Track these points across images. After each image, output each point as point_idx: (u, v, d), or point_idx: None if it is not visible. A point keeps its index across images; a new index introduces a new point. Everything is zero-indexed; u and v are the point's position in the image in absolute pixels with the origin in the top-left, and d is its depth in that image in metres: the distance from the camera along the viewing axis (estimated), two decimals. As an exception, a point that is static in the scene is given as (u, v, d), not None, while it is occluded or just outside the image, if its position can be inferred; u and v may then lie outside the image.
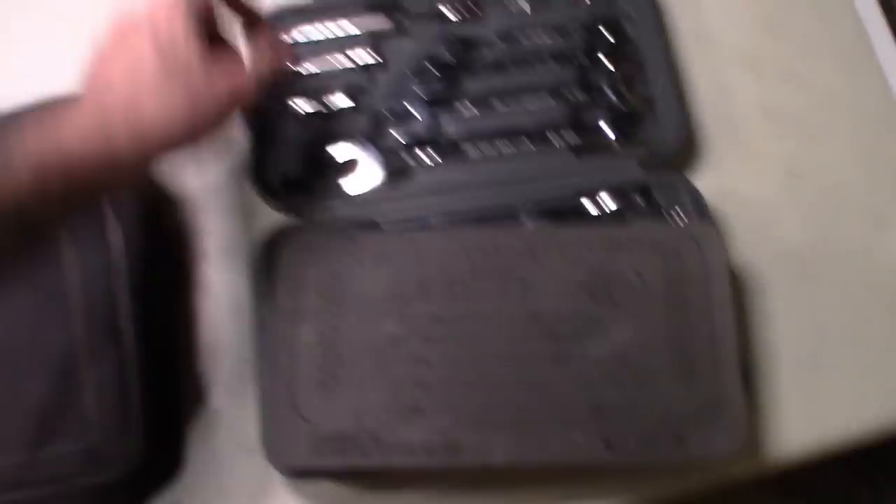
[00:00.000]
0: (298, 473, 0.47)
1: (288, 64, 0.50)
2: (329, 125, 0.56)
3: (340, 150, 0.56)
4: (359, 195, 0.54)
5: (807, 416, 0.52)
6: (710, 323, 0.45)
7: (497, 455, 0.43)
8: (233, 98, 0.41)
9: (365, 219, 0.52)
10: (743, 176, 0.57)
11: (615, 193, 0.53)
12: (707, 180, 0.56)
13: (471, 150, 0.55)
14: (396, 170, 0.55)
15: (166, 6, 0.41)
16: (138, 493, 0.52)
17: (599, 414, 0.43)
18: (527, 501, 0.50)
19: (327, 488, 0.51)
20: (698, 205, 0.52)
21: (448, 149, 0.55)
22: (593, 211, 0.52)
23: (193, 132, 0.40)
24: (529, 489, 0.50)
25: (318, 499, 0.51)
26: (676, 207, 0.52)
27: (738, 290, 0.54)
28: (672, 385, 0.44)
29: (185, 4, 0.41)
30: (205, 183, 0.58)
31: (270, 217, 0.54)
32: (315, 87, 0.57)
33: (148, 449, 0.49)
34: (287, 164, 0.55)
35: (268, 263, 0.50)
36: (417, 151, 0.55)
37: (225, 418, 0.54)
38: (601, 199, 0.53)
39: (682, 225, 0.47)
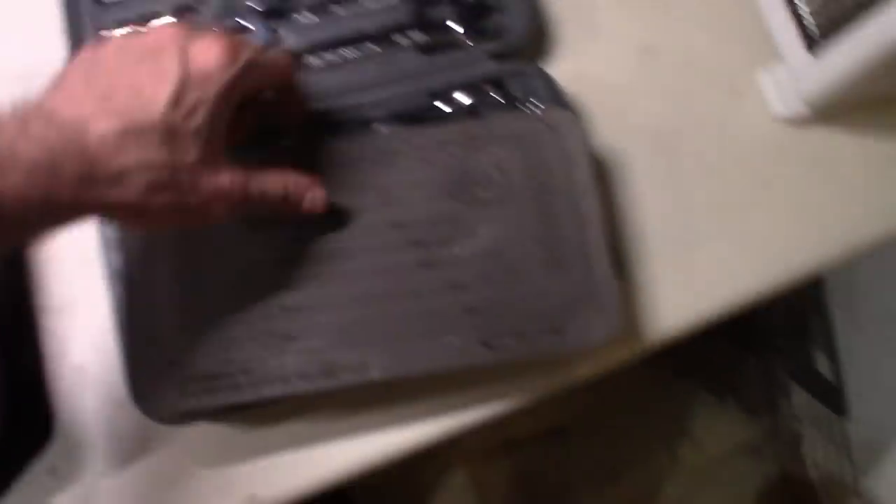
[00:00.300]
0: (173, 419, 0.45)
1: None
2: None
3: None
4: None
5: (683, 291, 0.53)
6: (575, 210, 0.44)
7: (374, 371, 0.41)
8: (213, 205, 0.36)
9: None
10: (597, 59, 0.57)
11: (469, 90, 0.51)
12: (562, 67, 0.54)
13: (314, 61, 0.51)
14: None
15: (222, 57, 0.35)
16: (5, 463, 0.49)
17: (474, 315, 0.42)
18: (417, 413, 0.50)
19: (207, 430, 0.49)
20: (554, 92, 0.50)
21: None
22: (448, 111, 0.50)
23: (144, 210, 0.34)
24: (420, 399, 0.50)
25: (198, 443, 0.49)
26: (532, 98, 0.51)
27: (602, 174, 0.54)
28: (544, 277, 0.43)
29: (246, 74, 0.36)
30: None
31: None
32: (141, 13, 0.52)
33: (9, 415, 0.45)
34: None
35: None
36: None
37: (90, 373, 0.51)
38: (455, 98, 0.51)
39: (537, 114, 0.46)
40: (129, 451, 0.50)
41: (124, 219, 0.36)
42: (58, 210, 0.32)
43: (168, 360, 0.42)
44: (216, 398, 0.41)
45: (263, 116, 0.44)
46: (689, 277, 0.53)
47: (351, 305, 0.42)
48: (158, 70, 0.34)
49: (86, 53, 0.35)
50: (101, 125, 0.32)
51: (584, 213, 0.44)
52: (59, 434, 0.50)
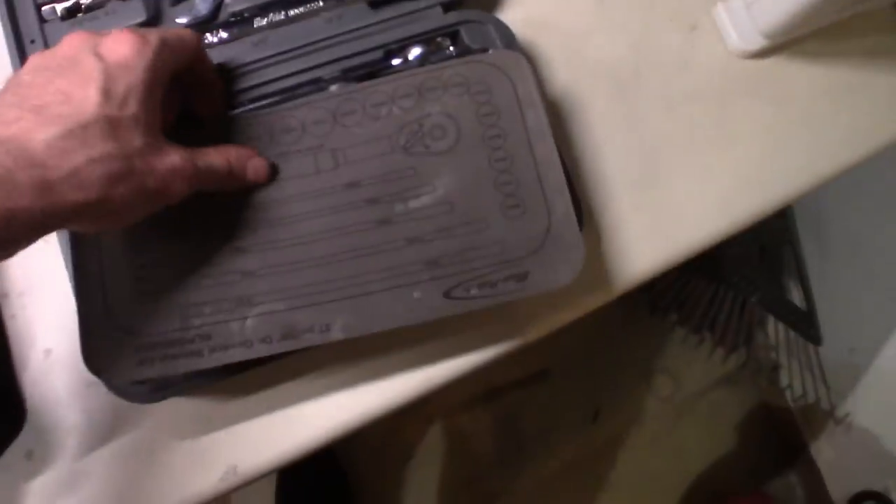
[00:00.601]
0: (139, 393, 0.45)
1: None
2: (104, 23, 0.50)
3: None
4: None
5: (649, 232, 0.53)
6: (531, 155, 0.43)
7: (335, 331, 0.41)
8: (171, 183, 0.37)
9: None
10: (552, 2, 0.56)
11: (422, 44, 0.50)
12: (516, 13, 0.54)
13: (259, 22, 0.50)
14: None
15: (133, 45, 0.36)
16: (-21, 451, 0.48)
17: (435, 268, 0.42)
18: (393, 370, 0.50)
19: (182, 405, 0.49)
20: (507, 39, 0.49)
21: (236, 25, 0.50)
22: (403, 67, 0.49)
23: (108, 205, 0.34)
24: (395, 355, 0.50)
25: (174, 418, 0.49)
26: (488, 47, 0.50)
27: (560, 117, 0.53)
28: (503, 224, 0.43)
29: (160, 55, 0.36)
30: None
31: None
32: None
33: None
34: None
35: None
36: (206, 35, 0.50)
37: (57, 356, 0.50)
38: (409, 53, 0.50)
39: (485, 59, 0.45)
40: (105, 430, 0.49)
41: (95, 221, 0.36)
42: (23, 223, 0.32)
43: (123, 329, 0.41)
44: (176, 365, 0.40)
45: (188, 98, 0.44)
46: (655, 218, 0.54)
47: (310, 267, 0.42)
48: (79, 74, 0.35)
49: (7, 82, 0.36)
50: (42, 133, 0.32)
51: (541, 158, 0.43)
52: (33, 419, 0.49)
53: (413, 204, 0.43)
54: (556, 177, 0.43)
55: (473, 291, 0.42)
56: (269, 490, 1.26)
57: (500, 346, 0.50)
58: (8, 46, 0.49)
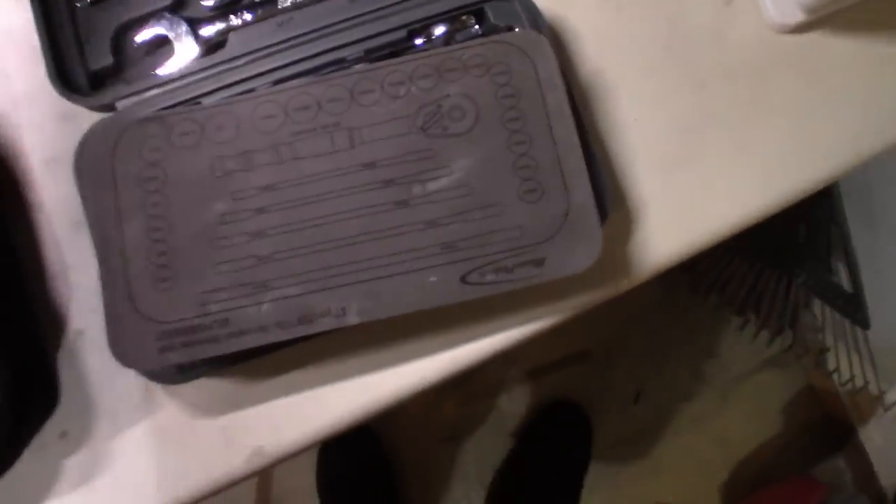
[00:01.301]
0: (166, 376, 0.45)
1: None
2: (125, 7, 0.50)
3: (145, 32, 0.50)
4: (175, 76, 0.49)
5: (681, 212, 0.52)
6: (550, 136, 0.43)
7: (351, 315, 0.41)
8: None
9: (186, 99, 0.48)
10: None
11: (446, 22, 0.49)
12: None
13: (284, 3, 0.50)
14: (210, 39, 0.50)
15: None
16: (14, 431, 0.49)
17: (452, 252, 0.42)
18: (422, 350, 0.50)
19: (210, 385, 0.49)
20: (533, 16, 0.48)
21: (260, 6, 0.50)
22: (426, 46, 0.49)
23: None
24: (424, 335, 0.50)
25: (202, 398, 0.50)
26: (515, 26, 0.49)
27: (589, 95, 0.52)
28: (521, 207, 0.42)
29: None
30: (13, 98, 0.53)
31: (91, 119, 0.50)
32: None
33: (14, 383, 0.46)
34: (89, 58, 0.50)
35: (85, 166, 0.46)
36: (230, 16, 0.50)
37: (89, 337, 0.51)
38: (434, 32, 0.49)
39: (506, 39, 0.44)
40: (136, 411, 0.50)
41: None
42: None
43: (145, 315, 0.42)
44: (196, 351, 0.41)
45: None
46: (688, 198, 0.52)
47: (325, 250, 0.42)
48: None
49: None
50: None
51: (561, 139, 0.43)
52: (66, 398, 0.51)
53: (430, 186, 0.42)
54: (576, 161, 0.42)
55: (490, 276, 0.41)
56: (310, 471, 1.29)
57: (526, 327, 0.50)
58: (38, 33, 0.50)
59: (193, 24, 0.50)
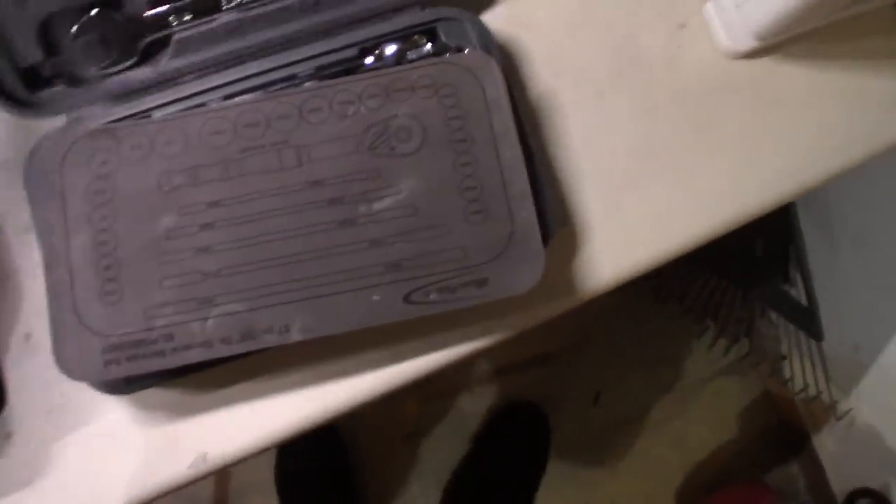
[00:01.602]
0: (114, 387, 0.46)
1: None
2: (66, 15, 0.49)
3: (83, 39, 0.48)
4: (119, 85, 0.49)
5: (627, 232, 0.53)
6: (496, 158, 0.43)
7: (294, 332, 0.41)
8: None
9: (136, 112, 0.47)
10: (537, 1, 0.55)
11: (398, 41, 0.49)
12: (499, 10, 0.53)
13: (227, 16, 0.49)
14: (153, 46, 0.49)
15: None
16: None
17: (396, 271, 0.42)
18: (358, 365, 0.50)
19: (156, 393, 0.50)
20: (484, 38, 0.49)
21: (206, 14, 0.49)
22: (377, 64, 0.49)
23: None
24: (361, 351, 0.50)
25: (147, 405, 0.50)
26: (466, 46, 0.49)
27: (540, 117, 0.53)
28: (466, 228, 0.43)
29: None
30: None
31: (41, 129, 0.50)
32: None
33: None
34: (17, 55, 0.48)
35: (35, 176, 0.46)
36: (172, 21, 0.49)
37: (37, 340, 0.51)
38: (384, 51, 0.49)
39: (454, 60, 0.45)
40: (80, 415, 0.50)
41: None
42: None
43: (90, 328, 0.42)
44: (140, 365, 0.41)
45: None
46: (635, 220, 0.53)
47: (270, 267, 0.42)
48: None
49: None
50: None
51: (506, 162, 0.43)
52: (14, 401, 0.51)
53: (376, 206, 0.43)
54: (521, 183, 0.43)
55: (433, 296, 0.42)
56: (268, 466, 1.29)
57: (469, 344, 0.50)
58: None
59: (131, 24, 0.49)
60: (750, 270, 1.10)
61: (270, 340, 0.41)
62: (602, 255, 0.52)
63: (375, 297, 0.42)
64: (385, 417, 1.36)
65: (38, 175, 0.44)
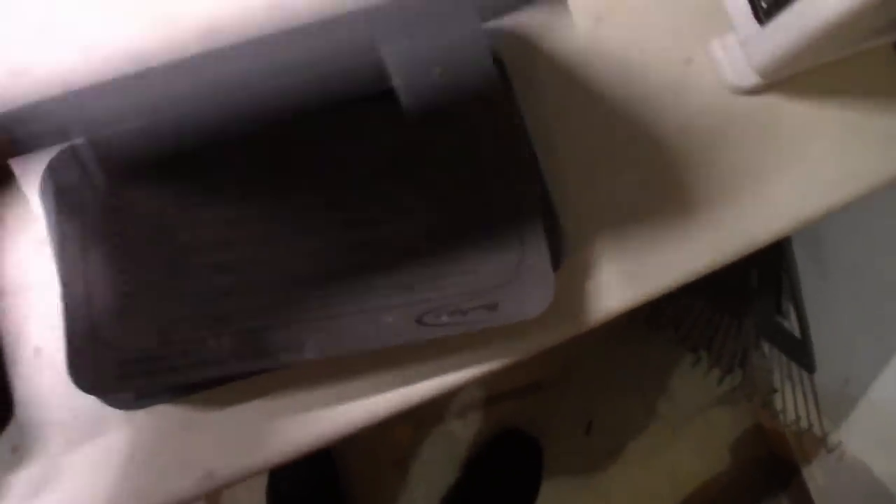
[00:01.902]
0: (125, 402, 0.46)
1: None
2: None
3: None
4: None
5: (633, 263, 0.54)
6: (511, 188, 0.44)
7: (308, 351, 0.42)
8: None
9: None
10: (544, 28, 0.56)
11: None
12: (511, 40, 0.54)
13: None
14: None
15: None
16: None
17: (408, 293, 0.43)
18: (375, 385, 0.51)
19: (165, 409, 0.50)
20: (500, 69, 0.50)
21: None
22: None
23: None
24: (378, 371, 0.51)
25: (155, 422, 0.50)
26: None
27: (548, 147, 0.54)
28: (478, 254, 0.44)
29: None
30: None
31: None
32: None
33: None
34: None
35: (51, 191, 0.46)
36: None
37: (46, 354, 0.51)
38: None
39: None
40: (89, 429, 0.50)
41: None
42: None
43: (105, 343, 0.42)
44: (154, 381, 0.42)
45: None
46: (636, 252, 0.54)
47: (286, 286, 0.43)
48: None
49: None
50: None
51: (519, 188, 0.44)
52: (20, 414, 0.51)
53: (392, 230, 0.44)
54: (532, 209, 0.44)
55: (444, 318, 0.43)
56: (260, 488, 1.28)
57: (472, 370, 0.51)
58: None
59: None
60: (745, 301, 1.11)
61: (285, 358, 0.42)
62: (608, 283, 0.53)
63: (388, 319, 0.43)
64: (376, 442, 1.36)
65: (56, 190, 0.45)
